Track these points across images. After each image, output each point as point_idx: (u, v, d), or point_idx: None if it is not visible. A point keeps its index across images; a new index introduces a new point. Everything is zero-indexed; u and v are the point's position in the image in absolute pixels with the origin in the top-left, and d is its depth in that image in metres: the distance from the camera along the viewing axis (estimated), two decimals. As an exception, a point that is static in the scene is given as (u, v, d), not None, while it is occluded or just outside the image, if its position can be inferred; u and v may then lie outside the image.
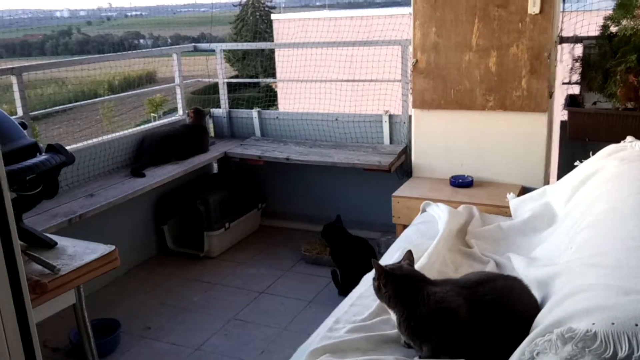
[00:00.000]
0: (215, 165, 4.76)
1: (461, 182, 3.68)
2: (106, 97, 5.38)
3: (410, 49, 3.80)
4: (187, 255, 4.28)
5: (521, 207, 3.08)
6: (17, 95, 3.29)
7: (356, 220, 4.41)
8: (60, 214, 3.15)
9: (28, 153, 1.75)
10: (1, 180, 0.97)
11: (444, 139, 3.79)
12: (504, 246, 2.82)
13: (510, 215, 3.15)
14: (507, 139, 3.63)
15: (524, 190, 3.48)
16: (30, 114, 3.42)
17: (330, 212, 4.54)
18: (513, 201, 3.18)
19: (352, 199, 4.51)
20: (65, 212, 3.17)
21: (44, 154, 1.76)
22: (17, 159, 1.71)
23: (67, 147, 3.66)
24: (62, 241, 1.95)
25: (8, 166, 1.60)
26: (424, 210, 3.34)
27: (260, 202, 4.72)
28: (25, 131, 1.86)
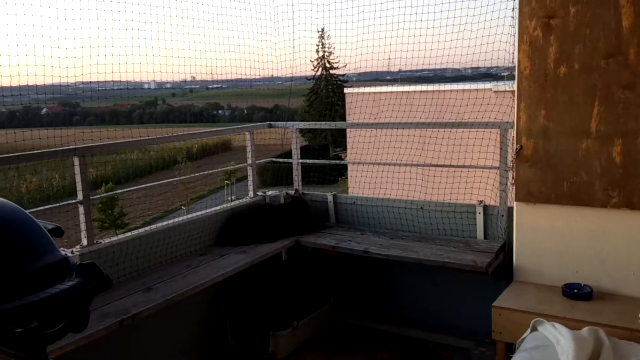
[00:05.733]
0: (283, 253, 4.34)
1: (577, 293, 3.04)
2: (181, 178, 5.29)
3: (512, 132, 3.32)
4: (249, 356, 3.81)
5: (666, 335, 2.43)
6: (78, 177, 3.05)
7: (442, 325, 3.85)
8: (111, 313, 2.79)
9: (56, 272, 1.39)
10: None
11: (554, 239, 3.20)
12: (652, 393, 2.17)
13: (649, 344, 2.49)
14: (635, 243, 3.00)
15: (661, 309, 2.81)
16: (91, 197, 3.17)
17: (412, 313, 4.01)
18: (654, 326, 2.53)
19: (437, 300, 3.94)
20: (117, 312, 2.81)
21: (74, 277, 1.40)
22: (43, 279, 1.34)
23: (137, 223, 3.45)
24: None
25: (24, 298, 1.23)
26: (534, 329, 2.74)
27: (332, 296, 4.23)
28: (59, 239, 1.51)
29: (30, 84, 3.16)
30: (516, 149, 3.20)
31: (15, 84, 3.07)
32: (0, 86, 3.06)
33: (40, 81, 3.19)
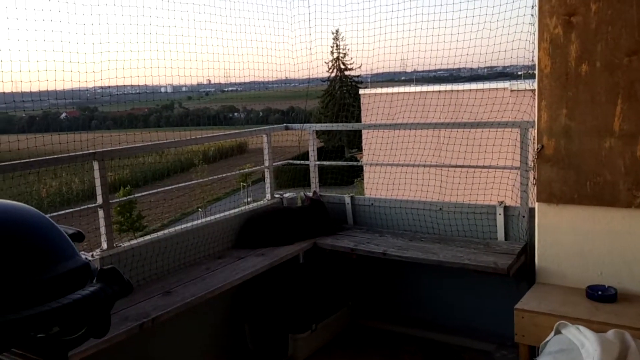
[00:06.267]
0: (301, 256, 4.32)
1: (601, 295, 2.98)
2: (198, 181, 5.31)
3: (533, 132, 3.27)
4: (268, 359, 3.80)
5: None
6: (97, 182, 3.07)
7: (463, 328, 3.80)
8: (131, 316, 2.79)
9: (78, 278, 1.39)
10: None
11: (576, 240, 3.14)
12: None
13: (677, 347, 2.43)
14: (661, 243, 2.93)
15: (689, 311, 2.74)
16: (110, 201, 3.18)
17: (432, 316, 3.98)
18: (682, 329, 2.46)
19: (458, 302, 3.90)
20: (138, 315, 2.81)
21: (95, 282, 1.39)
22: (64, 284, 1.34)
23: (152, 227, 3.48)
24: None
25: (45, 304, 1.23)
26: (558, 332, 2.69)
27: (351, 299, 4.20)
28: (79, 244, 1.51)
29: (49, 89, 3.19)
30: (537, 148, 3.15)
31: (34, 89, 3.10)
32: (20, 92, 3.08)
33: (59, 86, 3.23)
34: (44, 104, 3.32)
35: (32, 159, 2.90)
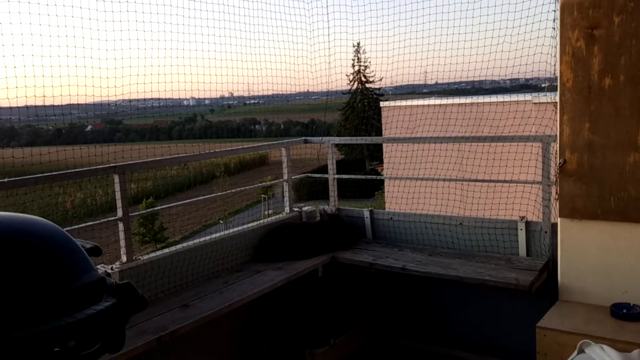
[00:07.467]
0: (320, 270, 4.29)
1: (626, 314, 2.91)
2: (219, 194, 5.32)
3: (555, 146, 3.22)
4: (285, 374, 3.77)
5: None
6: (117, 195, 3.10)
7: (484, 345, 3.74)
8: (149, 330, 2.80)
9: (93, 292, 1.39)
10: None
11: (600, 257, 3.07)
12: None
13: None
14: (689, 261, 2.85)
15: None
16: (130, 214, 3.21)
17: (452, 332, 3.92)
18: None
19: (478, 319, 3.83)
20: (155, 328, 2.82)
21: (110, 297, 1.40)
22: (80, 299, 1.35)
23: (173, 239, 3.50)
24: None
25: (61, 319, 1.24)
26: (581, 351, 2.62)
27: (370, 314, 4.16)
28: (94, 258, 1.52)
29: (72, 102, 3.24)
30: (560, 163, 3.10)
31: (59, 103, 3.15)
32: (43, 105, 3.14)
33: (84, 100, 3.28)
34: (66, 118, 3.38)
35: (54, 172, 2.95)
